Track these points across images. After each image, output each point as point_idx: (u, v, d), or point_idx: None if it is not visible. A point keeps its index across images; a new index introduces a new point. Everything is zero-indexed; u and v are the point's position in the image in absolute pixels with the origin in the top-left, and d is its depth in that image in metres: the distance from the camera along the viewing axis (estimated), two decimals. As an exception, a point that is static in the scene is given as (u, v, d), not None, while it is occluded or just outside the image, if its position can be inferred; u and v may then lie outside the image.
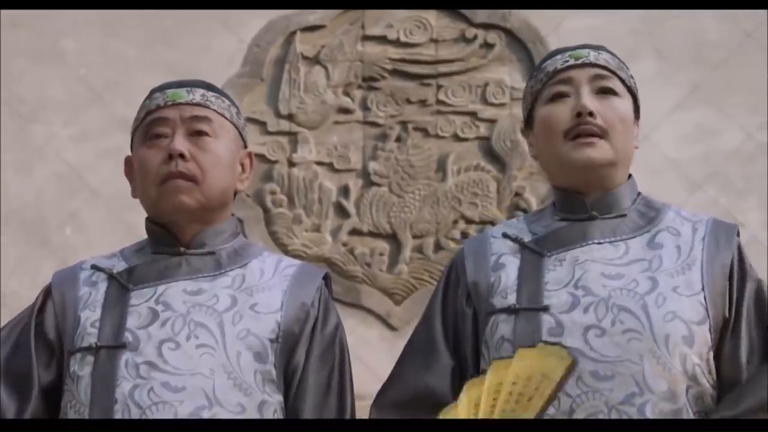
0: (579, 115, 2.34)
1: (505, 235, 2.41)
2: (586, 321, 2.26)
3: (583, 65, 2.39)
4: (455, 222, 5.57)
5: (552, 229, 2.39)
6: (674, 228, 2.37)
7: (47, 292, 2.45)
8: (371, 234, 5.58)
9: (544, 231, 2.39)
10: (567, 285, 2.30)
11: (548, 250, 2.35)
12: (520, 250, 2.37)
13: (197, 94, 2.46)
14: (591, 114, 2.34)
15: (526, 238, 2.39)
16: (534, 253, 2.35)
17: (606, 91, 2.38)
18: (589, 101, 2.35)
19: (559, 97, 2.38)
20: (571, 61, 2.40)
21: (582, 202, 2.38)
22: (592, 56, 2.41)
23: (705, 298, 2.28)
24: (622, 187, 2.40)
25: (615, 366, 2.22)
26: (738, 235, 2.40)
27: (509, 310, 2.30)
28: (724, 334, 2.30)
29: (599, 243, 2.34)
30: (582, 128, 2.34)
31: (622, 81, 2.42)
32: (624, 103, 2.40)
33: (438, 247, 5.54)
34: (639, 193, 2.44)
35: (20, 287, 5.19)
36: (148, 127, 2.44)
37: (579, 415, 2.21)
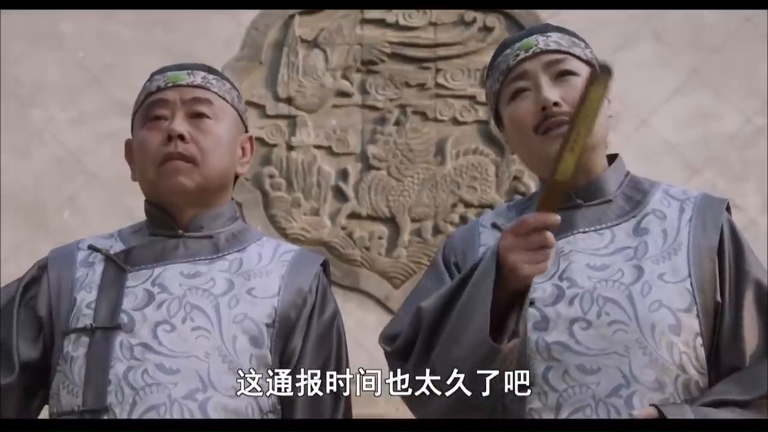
0: (544, 108, 2.29)
1: (494, 226, 2.38)
2: (571, 314, 2.22)
3: (534, 55, 2.33)
4: (454, 206, 5.56)
5: None
6: (660, 211, 2.32)
7: (43, 268, 2.45)
8: (370, 218, 5.57)
9: None
10: (552, 277, 2.25)
11: None
12: None
13: (198, 77, 2.45)
14: (556, 104, 2.28)
15: None
16: None
17: (564, 74, 2.32)
18: (550, 92, 2.30)
19: (520, 92, 2.33)
20: (522, 54, 2.34)
21: (566, 192, 2.29)
22: (541, 43, 2.34)
23: (692, 284, 2.24)
24: (606, 172, 2.35)
25: (601, 359, 2.19)
26: (728, 209, 2.35)
27: None
28: (722, 318, 2.25)
29: (584, 232, 2.31)
30: (551, 121, 2.29)
31: (578, 57, 2.35)
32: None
33: (437, 230, 5.53)
34: (627, 173, 2.39)
35: (18, 271, 5.09)
36: (148, 109, 2.43)
37: (566, 409, 2.18)
